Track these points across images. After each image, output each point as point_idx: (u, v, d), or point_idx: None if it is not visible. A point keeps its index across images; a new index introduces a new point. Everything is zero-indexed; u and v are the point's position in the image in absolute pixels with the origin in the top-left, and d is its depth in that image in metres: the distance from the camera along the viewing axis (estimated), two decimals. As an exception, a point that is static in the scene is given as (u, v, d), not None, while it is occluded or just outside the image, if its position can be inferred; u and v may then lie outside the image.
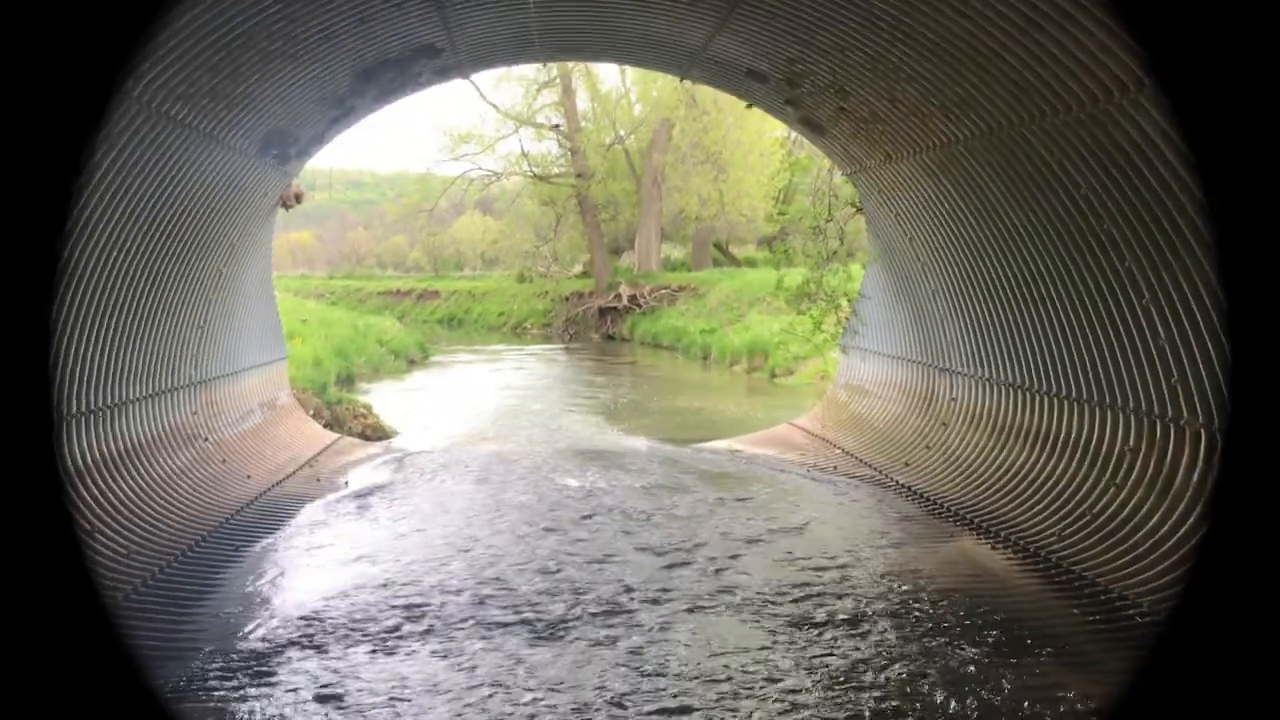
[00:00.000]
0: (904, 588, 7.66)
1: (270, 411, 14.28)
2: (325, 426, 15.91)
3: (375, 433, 16.80)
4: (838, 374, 15.92)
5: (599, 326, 42.36)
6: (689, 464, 13.42)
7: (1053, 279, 8.87)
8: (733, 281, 38.46)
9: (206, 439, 11.52)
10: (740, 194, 42.12)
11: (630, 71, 47.02)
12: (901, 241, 12.10)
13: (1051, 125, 7.61)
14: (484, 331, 47.19)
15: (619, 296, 41.96)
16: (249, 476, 11.55)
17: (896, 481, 11.32)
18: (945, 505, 10.01)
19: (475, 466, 13.27)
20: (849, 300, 13.57)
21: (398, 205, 62.92)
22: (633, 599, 7.35)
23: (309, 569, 8.43)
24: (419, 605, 7.25)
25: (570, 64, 43.79)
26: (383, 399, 21.81)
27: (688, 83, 38.58)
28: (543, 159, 46.82)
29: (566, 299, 45.32)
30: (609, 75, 48.50)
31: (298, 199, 12.60)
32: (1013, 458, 9.89)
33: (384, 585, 7.73)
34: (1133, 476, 8.18)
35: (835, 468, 12.51)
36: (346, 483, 12.19)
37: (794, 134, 46.74)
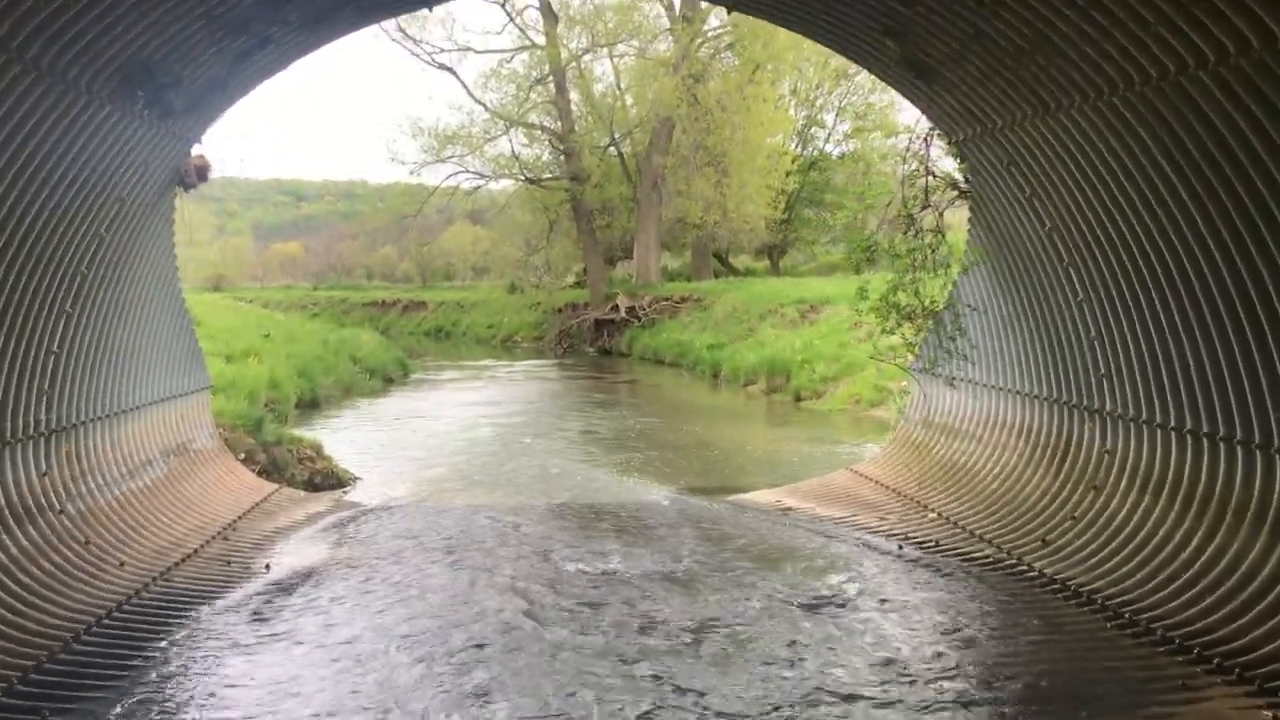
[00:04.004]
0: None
1: (180, 460, 10.88)
2: (260, 474, 12.51)
3: (326, 479, 13.40)
4: (910, 407, 12.59)
5: (594, 340, 39.37)
6: (732, 531, 10.09)
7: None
8: (739, 293, 35.59)
9: (62, 510, 8.13)
10: (745, 199, 39.20)
11: (625, 71, 43.81)
12: (1032, 234, 8.78)
13: None
14: (472, 345, 44.46)
15: (616, 308, 38.84)
16: (122, 564, 8.17)
17: (1040, 571, 7.97)
18: (1145, 623, 6.65)
19: (447, 534, 9.97)
20: (952, 312, 10.19)
21: (384, 214, 60.20)
22: None
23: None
24: None
25: (563, 60, 40.52)
26: (344, 431, 18.46)
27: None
28: (534, 163, 43.68)
29: (560, 311, 42.42)
30: (604, 74, 45.36)
31: (200, 174, 9.21)
32: (1248, 552, 6.56)
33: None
34: None
35: (937, 543, 9.17)
36: (267, 566, 8.84)
37: (797, 136, 43.93)
